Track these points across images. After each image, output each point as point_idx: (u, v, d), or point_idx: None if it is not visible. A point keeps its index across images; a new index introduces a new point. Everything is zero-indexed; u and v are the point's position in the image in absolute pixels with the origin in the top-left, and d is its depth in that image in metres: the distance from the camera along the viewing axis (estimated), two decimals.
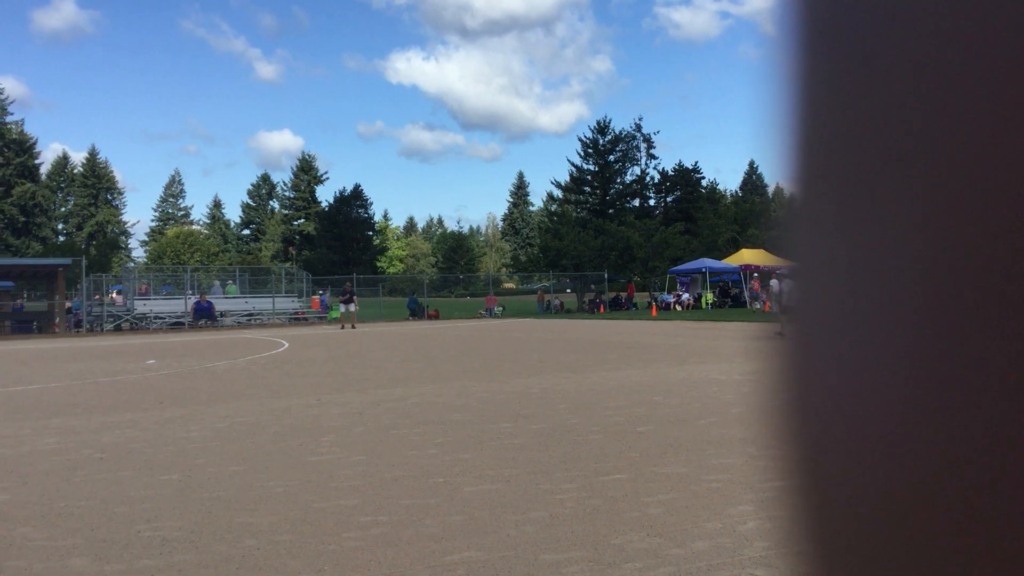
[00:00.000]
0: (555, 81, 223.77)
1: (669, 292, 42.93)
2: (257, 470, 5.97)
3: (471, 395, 9.88)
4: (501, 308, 41.95)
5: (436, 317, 38.02)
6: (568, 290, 51.02)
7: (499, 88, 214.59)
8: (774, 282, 36.64)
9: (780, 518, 0.32)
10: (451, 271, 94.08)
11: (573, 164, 68.10)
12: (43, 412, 9.32)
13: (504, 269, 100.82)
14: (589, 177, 67.37)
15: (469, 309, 44.18)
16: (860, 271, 0.27)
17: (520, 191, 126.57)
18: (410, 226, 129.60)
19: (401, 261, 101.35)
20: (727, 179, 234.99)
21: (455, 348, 18.97)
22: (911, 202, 0.25)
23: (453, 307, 46.46)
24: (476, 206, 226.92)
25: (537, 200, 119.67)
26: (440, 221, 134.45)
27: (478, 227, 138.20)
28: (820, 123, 0.28)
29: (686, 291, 41.62)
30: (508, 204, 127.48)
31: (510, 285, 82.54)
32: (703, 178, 70.98)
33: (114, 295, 36.20)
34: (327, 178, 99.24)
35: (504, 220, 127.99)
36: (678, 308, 39.89)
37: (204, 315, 31.48)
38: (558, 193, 71.35)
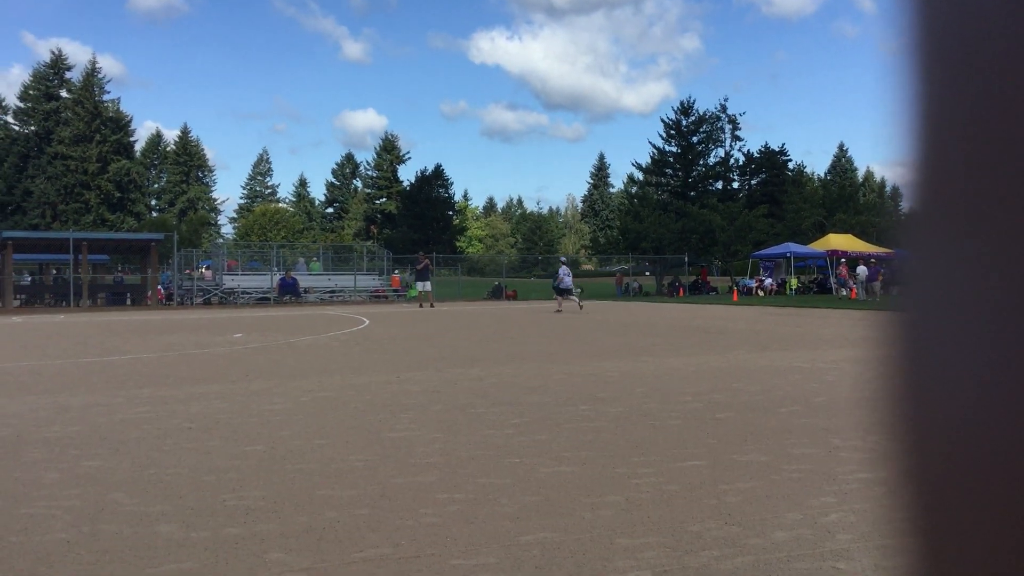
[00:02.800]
0: (642, 60, 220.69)
1: (751, 277, 42.14)
2: (338, 444, 6.10)
3: (548, 376, 9.89)
4: (580, 290, 41.81)
5: (514, 298, 38.15)
6: (647, 273, 50.55)
7: (584, 67, 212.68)
8: (862, 268, 35.64)
9: (883, 508, 0.32)
10: (530, 252, 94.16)
11: (655, 146, 67.22)
12: (136, 382, 9.69)
13: (583, 251, 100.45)
14: (671, 159, 66.43)
15: (547, 290, 44.22)
16: (985, 271, 0.27)
17: (601, 172, 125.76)
18: (490, 206, 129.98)
19: (480, 241, 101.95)
20: (816, 162, 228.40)
21: (532, 329, 19.01)
22: None
23: (531, 288, 46.54)
24: (556, 187, 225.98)
25: (618, 181, 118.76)
26: (520, 201, 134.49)
27: (557, 208, 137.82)
28: (949, 123, 0.28)
29: (769, 276, 40.79)
30: (588, 185, 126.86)
31: (589, 267, 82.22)
32: (790, 160, 69.30)
33: (203, 270, 37.38)
34: (409, 158, 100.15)
35: (584, 201, 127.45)
36: (760, 293, 39.15)
37: (288, 291, 32.23)
38: (639, 175, 70.62)
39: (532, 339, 15.92)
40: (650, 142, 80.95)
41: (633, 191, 69.22)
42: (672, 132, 66.49)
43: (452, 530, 4.04)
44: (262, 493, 4.76)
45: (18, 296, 30.30)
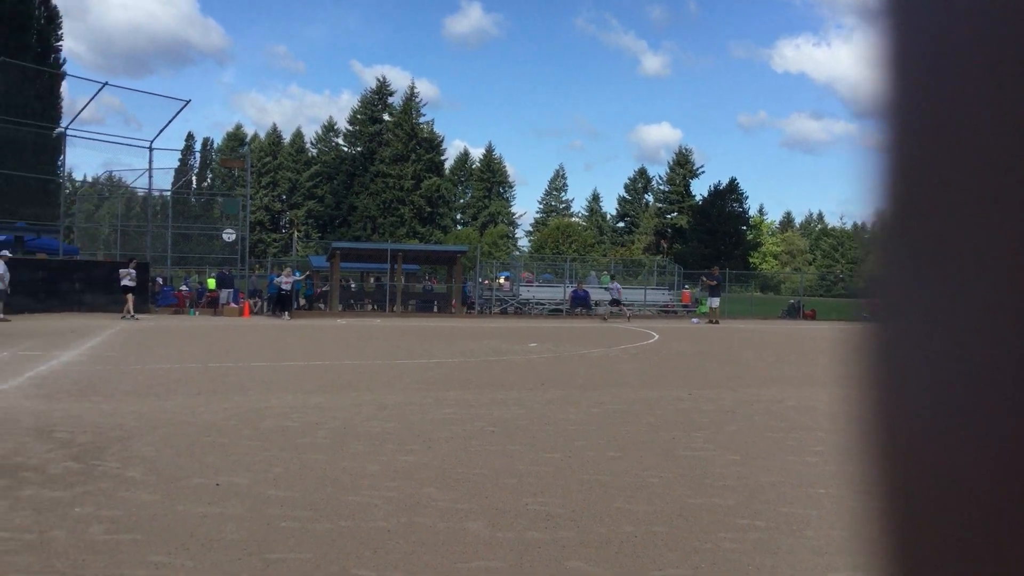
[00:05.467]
0: None
1: None
2: (632, 458, 6.11)
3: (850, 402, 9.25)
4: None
5: (812, 317, 36.28)
6: None
7: None
8: None
9: (866, 537, 0.33)
10: (830, 269, 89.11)
11: None
12: (443, 384, 10.37)
13: None
14: None
15: (851, 311, 41.54)
16: (953, 287, 0.27)
17: None
18: (787, 221, 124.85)
19: (775, 258, 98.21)
20: None
21: (830, 351, 17.93)
22: (1005, 216, 0.24)
23: (831, 307, 44.01)
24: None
25: None
26: (820, 216, 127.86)
27: (864, 224, 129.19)
28: (919, 130, 0.29)
29: None
30: None
31: None
32: None
33: (501, 281, 39.30)
34: (703, 171, 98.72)
35: None
36: None
37: (580, 303, 33.00)
38: None
39: (831, 361, 15.01)
40: None
41: None
42: None
43: (754, 558, 3.89)
44: (561, 500, 4.88)
45: (344, 301, 33.70)
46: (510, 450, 6.33)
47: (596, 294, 34.34)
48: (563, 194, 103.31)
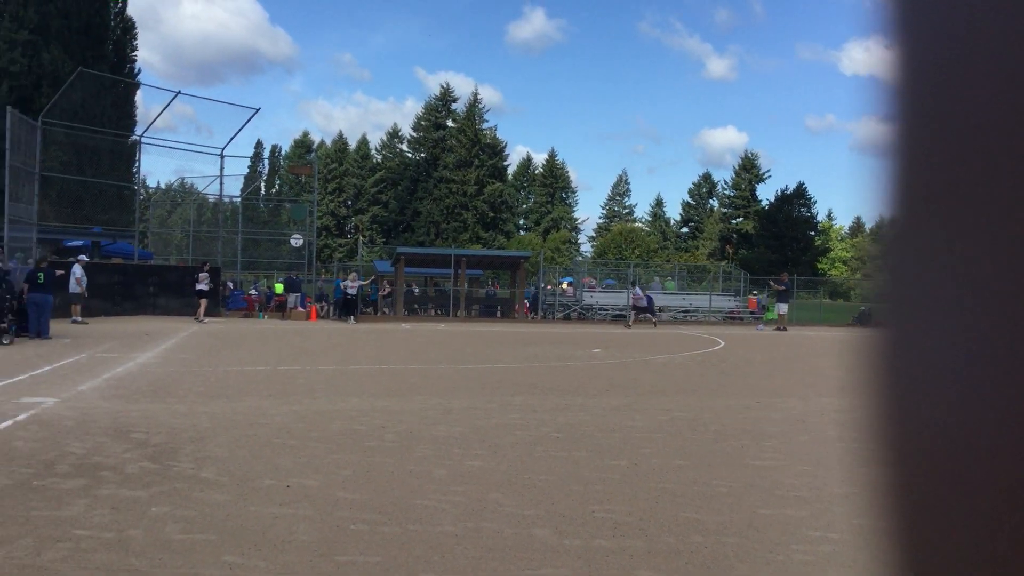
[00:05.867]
0: None
1: None
2: (700, 467, 6.02)
3: None
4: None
5: None
6: None
7: None
8: None
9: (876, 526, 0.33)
10: None
11: None
12: (507, 389, 10.38)
13: None
14: None
15: None
16: (964, 287, 0.27)
17: None
18: (857, 226, 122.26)
19: (844, 264, 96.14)
20: None
21: None
22: (1016, 216, 0.25)
23: None
24: None
25: None
26: None
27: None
28: (929, 130, 0.29)
29: None
30: None
31: None
32: None
33: (564, 286, 39.23)
34: (769, 176, 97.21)
35: None
36: None
37: (644, 309, 32.75)
38: None
39: None
40: None
41: None
42: None
43: (827, 572, 3.80)
44: (628, 508, 4.83)
45: (408, 305, 34.04)
46: (575, 456, 6.30)
47: (660, 299, 34.06)
48: (626, 199, 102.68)
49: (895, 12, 0.32)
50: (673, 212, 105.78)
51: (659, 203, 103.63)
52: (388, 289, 31.84)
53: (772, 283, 32.15)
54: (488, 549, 4.06)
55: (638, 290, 30.63)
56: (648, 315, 29.59)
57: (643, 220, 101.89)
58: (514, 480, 5.51)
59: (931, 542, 0.29)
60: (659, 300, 34.06)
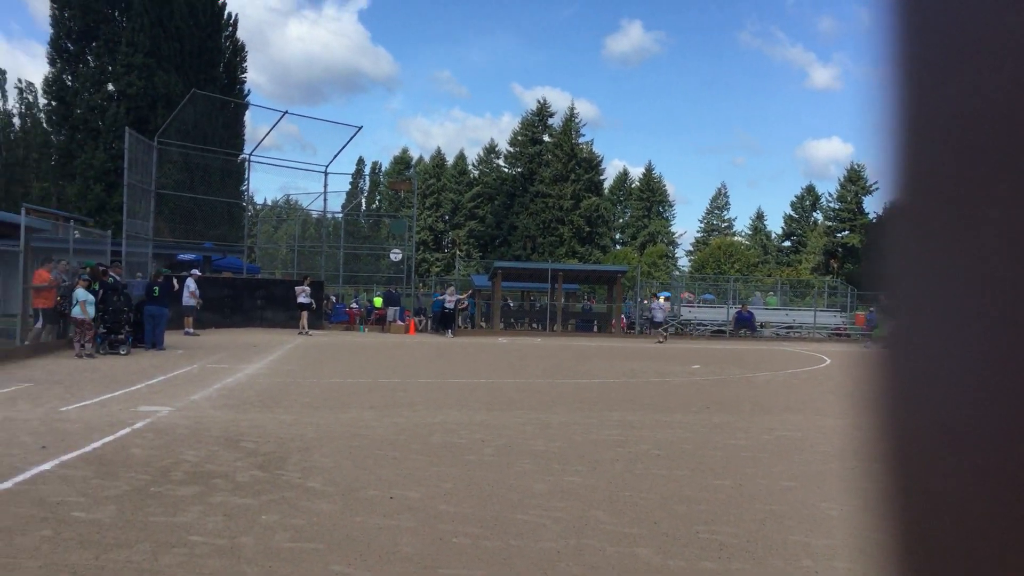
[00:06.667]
0: None
1: None
2: (808, 488, 5.84)
3: None
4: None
5: None
6: None
7: None
8: None
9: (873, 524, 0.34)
10: None
11: None
12: (605, 404, 10.29)
13: None
14: None
15: None
16: (968, 275, 0.27)
17: None
18: None
19: None
20: None
21: None
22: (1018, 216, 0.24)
23: None
24: None
25: None
26: None
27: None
28: (933, 125, 0.29)
29: None
30: None
31: None
32: None
33: (661, 300, 38.81)
34: (877, 188, 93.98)
35: None
36: None
37: (744, 324, 32.08)
38: None
39: None
40: None
41: None
42: None
43: None
44: (733, 530, 4.72)
45: (505, 319, 34.25)
46: (677, 475, 6.19)
47: (761, 315, 33.30)
48: (725, 212, 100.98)
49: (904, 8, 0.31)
50: (774, 225, 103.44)
51: (760, 216, 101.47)
52: (464, 304, 31.82)
53: (883, 299, 31.02)
54: (591, 567, 4.02)
55: (656, 305, 29.78)
56: (661, 330, 28.72)
57: (743, 234, 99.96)
58: (615, 497, 5.45)
59: (932, 539, 0.30)
60: (760, 316, 33.31)
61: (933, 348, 0.28)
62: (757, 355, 22.34)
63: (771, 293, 41.35)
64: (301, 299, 25.12)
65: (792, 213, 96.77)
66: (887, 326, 0.33)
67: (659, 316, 29.11)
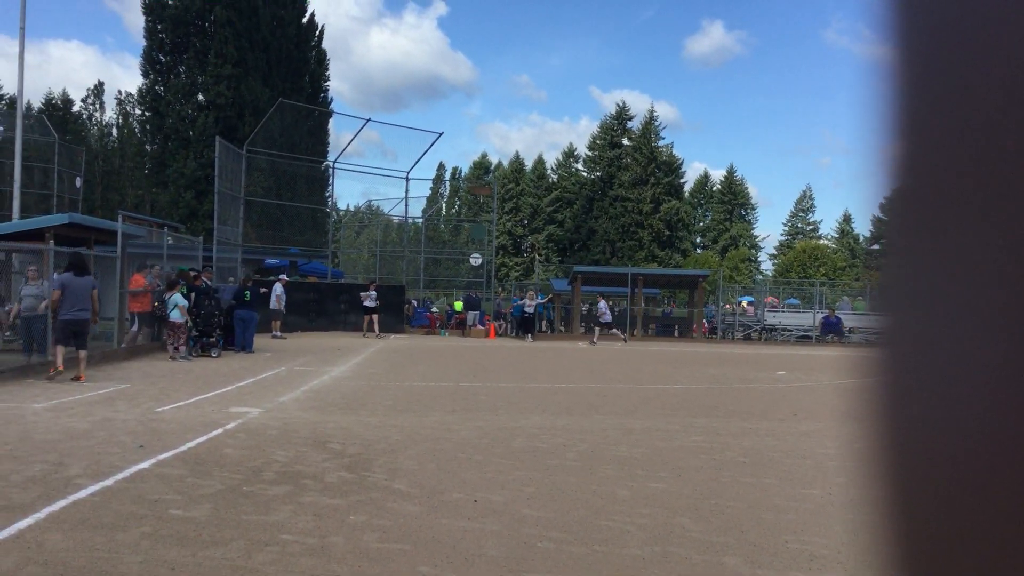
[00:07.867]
0: None
1: None
2: None
3: None
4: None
5: None
6: None
7: None
8: None
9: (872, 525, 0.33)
10: None
11: None
12: (689, 411, 10.17)
13: None
14: None
15: None
16: (971, 270, 0.27)
17: None
18: None
19: None
20: None
21: None
22: (1017, 215, 0.24)
23: None
24: None
25: None
26: None
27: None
28: (934, 124, 0.29)
29: None
30: None
31: None
32: None
33: (744, 305, 38.13)
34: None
35: None
36: None
37: (832, 330, 31.29)
38: None
39: None
40: None
41: None
42: None
43: None
44: (824, 541, 4.61)
45: (585, 324, 34.15)
46: (764, 483, 6.08)
47: (850, 320, 32.41)
48: (810, 215, 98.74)
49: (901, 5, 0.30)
50: (862, 228, 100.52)
51: (847, 219, 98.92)
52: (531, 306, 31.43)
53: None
54: (678, 575, 3.98)
55: (602, 304, 28.49)
56: (616, 331, 27.74)
57: (829, 237, 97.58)
58: (700, 505, 5.38)
59: (930, 537, 0.30)
60: (848, 321, 32.43)
61: (932, 347, 0.28)
62: (845, 362, 21.76)
63: (859, 298, 40.23)
64: (367, 303, 25.53)
65: (881, 215, 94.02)
66: (886, 325, 0.33)
67: (607, 317, 28.13)
